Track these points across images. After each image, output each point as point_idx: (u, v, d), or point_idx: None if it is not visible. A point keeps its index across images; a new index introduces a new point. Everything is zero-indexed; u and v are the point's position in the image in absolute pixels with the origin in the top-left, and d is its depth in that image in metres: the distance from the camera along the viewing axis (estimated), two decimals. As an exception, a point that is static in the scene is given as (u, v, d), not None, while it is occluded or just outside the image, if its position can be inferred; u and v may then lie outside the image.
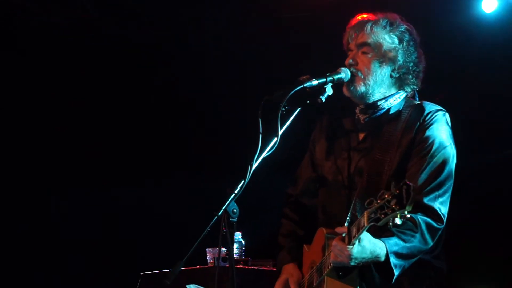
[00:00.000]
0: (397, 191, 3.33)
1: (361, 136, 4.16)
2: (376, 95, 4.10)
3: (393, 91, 4.14)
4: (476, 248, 7.11)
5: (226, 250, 3.58)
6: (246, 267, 5.64)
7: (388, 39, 4.08)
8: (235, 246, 5.63)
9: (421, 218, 3.80)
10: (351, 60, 4.09)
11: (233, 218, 3.55)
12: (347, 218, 3.95)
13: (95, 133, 7.79)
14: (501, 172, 7.11)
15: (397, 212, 3.33)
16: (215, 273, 3.77)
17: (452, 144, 4.01)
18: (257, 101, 3.76)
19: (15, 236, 7.63)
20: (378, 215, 3.40)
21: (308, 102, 3.92)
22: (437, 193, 3.87)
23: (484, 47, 6.56)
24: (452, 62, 6.75)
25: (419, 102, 4.14)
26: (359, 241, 3.64)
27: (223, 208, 3.53)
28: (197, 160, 7.90)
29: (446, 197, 3.90)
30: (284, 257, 4.28)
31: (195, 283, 5.20)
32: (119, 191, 7.79)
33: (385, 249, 3.71)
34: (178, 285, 5.02)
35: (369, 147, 4.08)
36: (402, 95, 4.15)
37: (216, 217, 3.53)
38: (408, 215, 3.35)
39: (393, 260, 3.71)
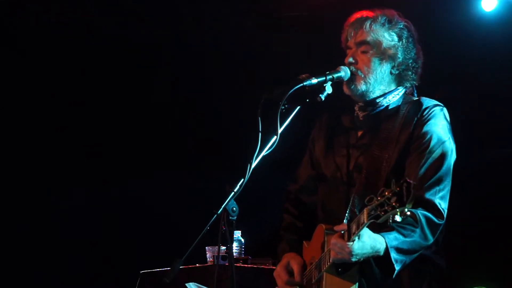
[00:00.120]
0: (398, 189, 3.32)
1: (360, 133, 4.16)
2: (376, 93, 4.11)
3: (392, 87, 4.14)
4: (476, 248, 7.11)
5: (226, 249, 3.57)
6: (246, 265, 5.64)
7: (387, 37, 4.08)
8: (235, 244, 5.64)
9: (421, 213, 3.80)
10: (351, 59, 4.09)
11: (233, 217, 3.54)
12: (346, 214, 3.95)
13: (95, 133, 7.79)
14: (501, 172, 7.12)
15: (397, 210, 3.33)
16: (214, 271, 3.78)
17: (450, 138, 4.01)
18: (256, 100, 3.76)
19: (15, 236, 7.63)
20: (378, 212, 3.40)
21: (307, 100, 3.92)
22: (437, 188, 3.87)
23: (483, 46, 6.56)
24: (452, 61, 6.75)
25: (417, 98, 4.14)
26: (358, 238, 3.64)
27: (222, 207, 3.53)
28: (197, 160, 7.90)
29: (446, 192, 3.90)
30: (284, 247, 4.28)
31: (195, 282, 5.20)
32: (119, 191, 7.79)
33: (384, 244, 3.71)
34: (178, 283, 5.02)
35: (368, 144, 4.08)
36: (401, 91, 4.15)
37: (216, 215, 3.52)
38: (408, 213, 3.35)
39: (394, 255, 3.71)
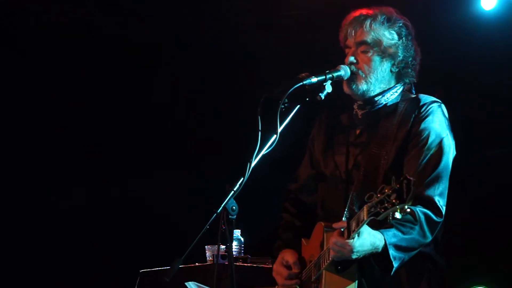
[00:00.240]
0: (398, 186, 3.32)
1: (359, 131, 4.16)
2: (376, 91, 4.11)
3: (391, 84, 4.14)
4: (476, 248, 7.11)
5: (225, 248, 3.57)
6: (245, 264, 5.63)
7: (388, 35, 4.07)
8: (234, 243, 5.63)
9: (420, 210, 3.80)
10: (352, 59, 4.08)
11: (232, 216, 3.54)
12: (345, 212, 3.95)
13: (95, 133, 7.79)
14: (501, 172, 7.11)
15: (397, 207, 3.32)
16: (214, 270, 3.77)
17: (449, 135, 4.01)
18: (256, 100, 3.76)
19: (15, 236, 7.63)
20: (378, 209, 3.40)
21: (307, 99, 3.92)
22: (436, 184, 3.87)
23: (483, 45, 6.55)
24: (451, 60, 6.75)
25: (415, 95, 4.14)
26: (358, 235, 3.64)
27: (222, 206, 3.53)
28: (197, 160, 7.90)
29: (444, 189, 3.89)
30: (280, 245, 4.29)
31: (194, 281, 5.20)
32: (119, 191, 7.79)
33: (383, 241, 3.71)
34: (177, 282, 5.02)
35: (366, 142, 4.08)
36: (399, 89, 4.15)
37: (215, 214, 3.52)
38: (408, 210, 3.35)
39: (392, 252, 3.71)
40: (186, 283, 5.17)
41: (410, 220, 3.77)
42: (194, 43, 7.66)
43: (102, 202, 7.78)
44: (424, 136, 3.95)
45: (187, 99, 7.90)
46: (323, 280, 3.85)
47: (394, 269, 3.74)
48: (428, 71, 4.29)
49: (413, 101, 4.08)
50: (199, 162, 7.89)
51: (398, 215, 3.35)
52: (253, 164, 3.65)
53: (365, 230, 3.67)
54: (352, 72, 4.06)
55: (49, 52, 7.46)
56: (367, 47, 4.07)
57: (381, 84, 4.12)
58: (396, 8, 4.18)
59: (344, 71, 4.04)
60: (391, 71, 4.13)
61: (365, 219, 3.49)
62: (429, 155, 3.91)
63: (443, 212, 3.86)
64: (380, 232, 3.73)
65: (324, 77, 3.96)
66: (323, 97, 3.94)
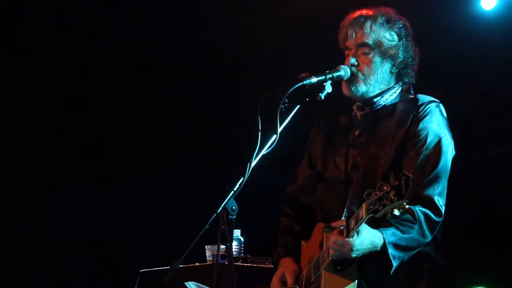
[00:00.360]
0: (396, 183, 3.32)
1: (357, 132, 4.16)
2: (375, 92, 4.11)
3: (391, 85, 4.14)
4: (476, 248, 7.11)
5: (225, 248, 3.57)
6: (245, 264, 5.63)
7: (388, 37, 4.07)
8: (234, 243, 5.63)
9: (419, 209, 3.80)
10: (353, 61, 4.07)
11: (232, 216, 3.54)
12: (344, 212, 3.95)
13: (95, 133, 7.79)
14: (501, 172, 7.11)
15: (396, 203, 3.32)
16: (214, 270, 3.76)
17: (447, 134, 4.00)
18: (256, 100, 3.75)
19: (15, 236, 7.63)
20: (377, 206, 3.40)
21: (307, 99, 3.92)
22: (435, 184, 3.87)
23: (483, 45, 6.55)
24: (451, 59, 6.75)
25: (413, 95, 4.13)
26: (357, 233, 3.65)
27: (222, 205, 3.52)
28: (197, 160, 7.89)
29: (444, 188, 3.90)
30: (280, 251, 4.29)
31: (194, 281, 5.20)
32: (119, 191, 7.79)
33: (382, 239, 3.71)
34: (177, 282, 5.01)
35: (365, 143, 4.08)
36: (398, 89, 4.15)
37: (215, 214, 3.52)
38: (407, 206, 3.34)
39: (391, 251, 3.72)
40: (186, 283, 5.16)
41: (410, 219, 3.77)
42: (194, 43, 7.66)
43: (102, 202, 7.78)
44: (422, 136, 3.95)
45: (187, 99, 7.90)
46: (322, 280, 3.85)
47: (393, 268, 3.74)
48: (428, 71, 4.29)
49: (411, 101, 4.09)
50: (199, 162, 7.89)
51: (396, 212, 3.35)
52: (253, 164, 3.64)
53: (365, 228, 3.67)
54: (352, 73, 4.05)
55: (49, 52, 7.46)
56: (368, 48, 4.06)
57: (380, 85, 4.12)
58: (397, 8, 4.17)
59: (344, 71, 4.03)
60: (390, 72, 4.13)
61: (364, 216, 3.49)
62: (427, 155, 3.91)
63: (443, 212, 3.86)
64: (379, 231, 3.73)
65: (324, 77, 3.95)
66: (323, 97, 3.94)
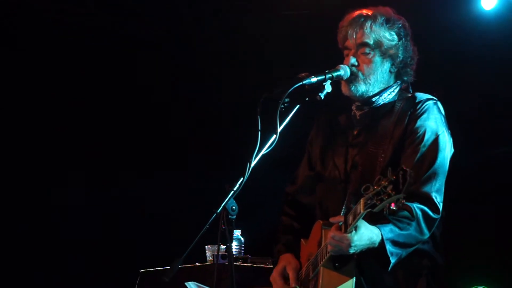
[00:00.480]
0: (394, 177, 3.32)
1: (357, 131, 4.16)
2: (375, 91, 4.11)
3: (389, 83, 4.14)
4: (476, 248, 7.11)
5: (225, 248, 3.56)
6: (246, 264, 5.62)
7: (388, 37, 4.07)
8: (234, 243, 5.62)
9: (417, 206, 3.80)
10: (354, 61, 4.07)
11: (232, 216, 3.54)
12: (343, 209, 3.96)
13: (95, 133, 7.79)
14: (501, 172, 7.12)
15: (393, 198, 3.32)
16: (214, 270, 3.76)
17: (445, 131, 4.00)
18: (256, 99, 3.75)
19: (15, 236, 7.63)
20: (375, 201, 3.40)
21: (307, 99, 3.92)
22: (432, 181, 3.86)
23: (483, 45, 6.55)
24: (451, 59, 6.75)
25: (411, 93, 4.13)
26: (355, 229, 3.65)
27: (222, 206, 3.52)
28: (197, 160, 7.90)
29: (441, 185, 3.89)
30: (280, 248, 4.29)
31: (194, 281, 5.20)
32: (119, 191, 7.79)
33: (380, 236, 3.71)
34: (177, 282, 5.02)
35: (364, 142, 4.08)
36: (396, 88, 4.14)
37: (215, 214, 3.51)
38: (404, 200, 3.34)
39: (389, 247, 3.71)
40: (186, 283, 5.16)
41: (407, 216, 3.77)
42: (194, 43, 7.66)
43: (102, 202, 7.78)
44: (420, 133, 3.95)
45: (187, 99, 7.90)
46: (320, 277, 3.84)
47: (391, 265, 3.74)
48: (428, 71, 4.28)
49: (409, 99, 4.09)
50: (199, 162, 7.89)
51: (394, 206, 3.34)
52: (252, 164, 3.64)
53: (363, 224, 3.67)
54: (352, 73, 4.05)
55: (49, 51, 7.46)
56: (368, 48, 4.06)
57: (380, 84, 4.12)
58: (397, 8, 4.17)
59: (344, 71, 4.03)
60: (390, 71, 4.13)
61: (361, 211, 3.49)
62: (425, 152, 3.91)
63: (440, 209, 3.85)
64: (377, 227, 3.72)
65: (323, 77, 3.95)
66: (322, 97, 3.93)
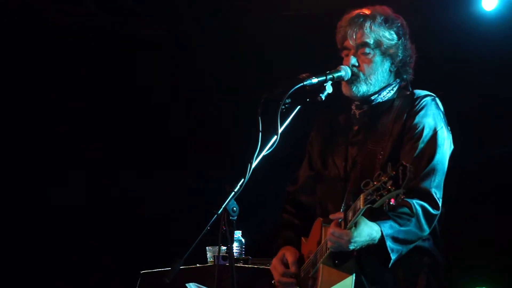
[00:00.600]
0: (394, 172, 3.32)
1: (356, 130, 4.15)
2: (375, 91, 4.10)
3: (389, 82, 4.13)
4: (476, 248, 7.11)
5: (226, 249, 3.56)
6: (246, 265, 5.62)
7: (388, 36, 4.06)
8: (235, 244, 5.63)
9: (416, 202, 3.79)
10: (354, 61, 4.07)
11: (233, 217, 3.53)
12: (342, 206, 3.96)
13: (95, 133, 7.79)
14: (502, 172, 7.12)
15: (393, 193, 3.32)
16: (215, 271, 3.76)
17: (444, 127, 3.99)
18: (257, 100, 3.75)
19: (15, 236, 7.63)
20: (374, 196, 3.39)
21: (308, 100, 3.92)
22: (432, 177, 3.85)
23: (484, 45, 6.55)
24: (452, 60, 6.75)
25: (410, 91, 4.13)
26: (355, 225, 3.64)
27: (223, 207, 3.52)
28: (197, 160, 7.90)
29: (441, 181, 3.88)
30: (280, 242, 4.27)
31: (195, 282, 5.19)
32: (119, 191, 7.79)
33: (380, 232, 3.70)
34: (178, 283, 5.01)
35: (363, 140, 4.08)
36: (395, 86, 4.14)
37: (216, 215, 3.51)
38: (403, 196, 3.34)
39: (389, 244, 3.70)
40: (187, 284, 5.16)
41: (407, 212, 3.76)
42: (194, 43, 7.66)
43: (102, 202, 7.78)
44: (418, 129, 3.95)
45: (187, 99, 7.90)
46: (320, 274, 3.83)
47: (392, 261, 3.73)
48: (429, 72, 4.28)
49: (408, 97, 4.09)
50: (199, 162, 7.89)
51: (393, 202, 3.34)
52: (253, 165, 3.64)
53: (362, 220, 3.67)
54: (353, 73, 4.05)
55: (49, 51, 7.46)
56: (368, 48, 4.05)
57: (381, 84, 4.12)
58: (398, 9, 4.16)
59: (344, 72, 4.03)
60: (390, 70, 4.13)
61: (361, 207, 3.48)
62: (423, 148, 3.90)
63: (440, 205, 3.84)
64: (377, 224, 3.71)
65: (324, 77, 3.95)
66: (323, 98, 3.94)
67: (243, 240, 5.82)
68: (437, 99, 4.08)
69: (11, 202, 7.65)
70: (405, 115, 4.00)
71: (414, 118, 3.97)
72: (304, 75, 3.90)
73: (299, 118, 3.86)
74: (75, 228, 7.68)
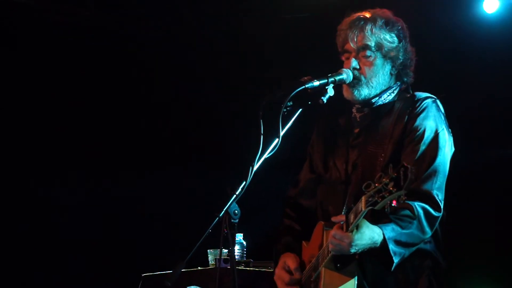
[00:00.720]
0: (395, 174, 3.30)
1: (357, 133, 4.15)
2: (376, 94, 4.10)
3: (390, 84, 4.13)
4: (476, 248, 7.11)
5: (228, 252, 3.56)
6: (248, 268, 5.62)
7: (389, 39, 4.05)
8: (237, 247, 5.64)
9: (418, 205, 3.77)
10: (355, 64, 4.06)
11: (235, 219, 3.53)
12: (343, 209, 3.95)
13: (96, 133, 7.79)
14: (502, 172, 7.12)
15: (395, 195, 3.31)
16: (216, 274, 3.75)
17: (445, 129, 3.99)
18: (257, 100, 3.75)
19: (15, 236, 7.63)
20: (376, 198, 3.38)
21: (309, 103, 3.91)
22: (433, 179, 3.84)
23: (485, 48, 6.56)
24: (453, 62, 6.75)
25: (411, 93, 4.13)
26: (357, 227, 3.63)
27: (224, 209, 3.51)
28: (198, 160, 7.90)
29: (442, 183, 3.87)
30: (279, 249, 4.26)
31: (196, 285, 5.20)
32: (119, 191, 7.79)
33: (382, 235, 3.69)
34: (179, 286, 5.02)
35: (364, 142, 4.07)
36: (396, 89, 4.13)
37: (218, 218, 3.51)
38: (405, 197, 3.33)
39: (392, 247, 3.69)
40: (188, 287, 5.17)
41: (409, 215, 3.75)
42: (194, 43, 7.66)
43: (102, 202, 7.78)
44: (419, 131, 3.94)
45: (187, 99, 7.90)
46: (322, 278, 3.82)
47: (394, 264, 3.71)
48: (430, 73, 4.28)
49: (408, 99, 4.08)
50: (199, 162, 7.89)
51: (395, 203, 3.33)
52: (255, 167, 3.63)
53: (364, 223, 3.66)
54: (354, 76, 4.04)
55: (49, 52, 7.46)
56: (370, 51, 4.04)
57: (382, 86, 4.11)
58: (399, 11, 4.16)
59: (346, 75, 4.02)
60: (390, 73, 4.12)
61: (363, 209, 3.46)
62: (424, 150, 3.89)
63: (442, 207, 3.83)
64: (379, 227, 3.70)
65: (326, 80, 3.94)
66: (325, 101, 3.93)
67: (244, 243, 5.82)
68: (438, 101, 4.07)
69: (11, 202, 7.64)
70: (406, 117, 3.99)
71: (415, 120, 3.97)
72: (305, 78, 3.90)
73: (300, 120, 3.85)
74: (75, 228, 7.68)
